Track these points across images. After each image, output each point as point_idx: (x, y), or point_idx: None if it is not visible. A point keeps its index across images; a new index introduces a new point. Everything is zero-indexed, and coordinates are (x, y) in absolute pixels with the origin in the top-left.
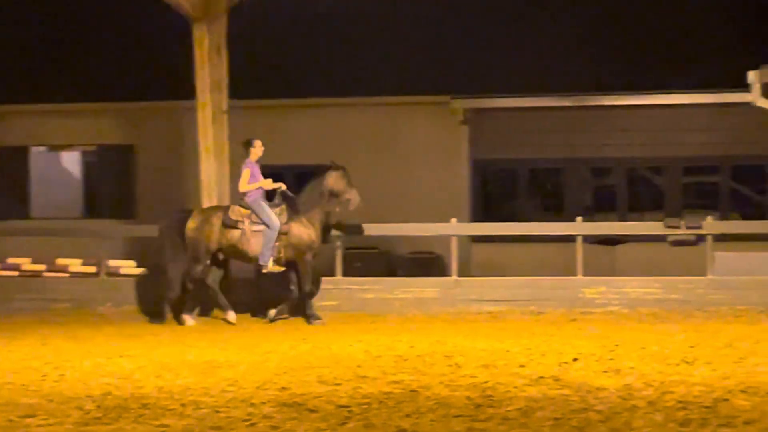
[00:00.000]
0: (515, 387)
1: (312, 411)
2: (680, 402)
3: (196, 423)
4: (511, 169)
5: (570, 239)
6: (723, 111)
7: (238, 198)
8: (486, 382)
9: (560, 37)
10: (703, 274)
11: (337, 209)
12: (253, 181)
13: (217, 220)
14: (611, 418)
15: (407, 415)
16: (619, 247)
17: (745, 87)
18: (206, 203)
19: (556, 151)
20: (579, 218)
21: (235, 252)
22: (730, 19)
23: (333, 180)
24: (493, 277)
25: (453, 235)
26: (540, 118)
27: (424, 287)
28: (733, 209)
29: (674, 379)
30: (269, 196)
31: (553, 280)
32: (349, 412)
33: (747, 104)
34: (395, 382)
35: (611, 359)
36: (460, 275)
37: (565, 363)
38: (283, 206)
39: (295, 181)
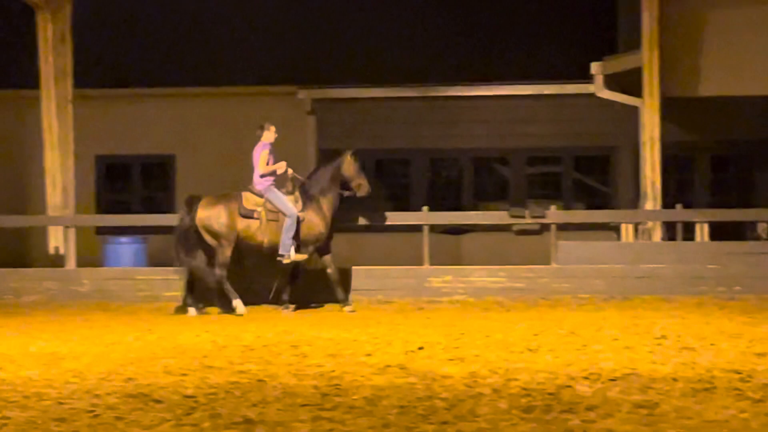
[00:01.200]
0: (362, 376)
1: (157, 401)
2: (524, 389)
3: (39, 415)
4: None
5: (416, 229)
6: (566, 102)
7: (251, 184)
8: (332, 371)
9: (406, 28)
10: (547, 263)
11: (346, 195)
12: (269, 164)
13: (233, 209)
14: (456, 405)
15: (254, 405)
16: (465, 237)
17: (588, 78)
18: (50, 194)
19: (402, 142)
20: (425, 208)
21: (251, 243)
22: (574, 11)
23: (347, 165)
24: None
25: None
26: (386, 108)
27: None
28: (576, 199)
29: (518, 367)
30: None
31: (399, 270)
32: (195, 402)
33: (590, 95)
34: (242, 372)
35: (457, 347)
36: None
37: (411, 351)
38: (297, 193)
39: (141, 170)
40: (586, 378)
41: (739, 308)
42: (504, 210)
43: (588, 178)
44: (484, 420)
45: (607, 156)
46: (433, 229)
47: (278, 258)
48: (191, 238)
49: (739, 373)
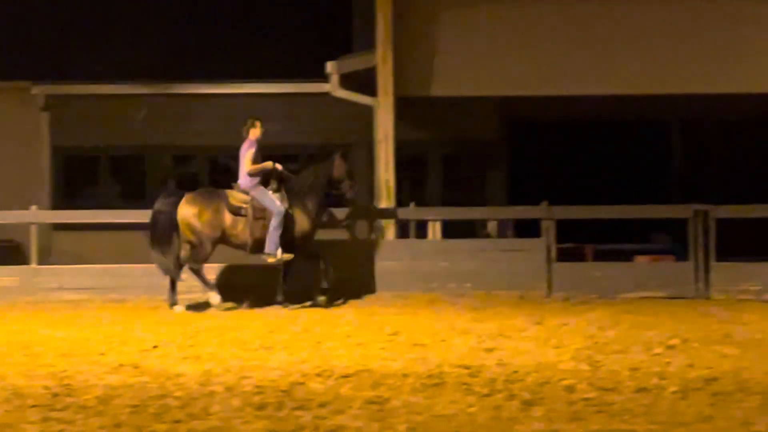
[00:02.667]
0: (94, 375)
1: None
2: (257, 387)
3: None
4: (92, 156)
5: None
6: (302, 100)
7: (237, 182)
8: (64, 371)
9: (143, 24)
10: None
11: (334, 195)
12: (256, 162)
13: (218, 206)
14: (189, 403)
15: None
16: None
17: (324, 77)
18: None
19: (138, 138)
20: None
21: (236, 241)
22: (310, 10)
23: (336, 166)
24: (74, 266)
25: (32, 223)
26: (121, 105)
27: (2, 276)
28: None
29: (252, 364)
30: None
31: (135, 268)
32: None
33: (326, 94)
34: None
35: (192, 346)
36: (40, 263)
37: (146, 350)
38: (283, 191)
39: None
40: (319, 375)
41: (470, 305)
42: None
43: None
44: (217, 418)
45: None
46: None
47: (264, 256)
48: (168, 233)
49: (468, 368)
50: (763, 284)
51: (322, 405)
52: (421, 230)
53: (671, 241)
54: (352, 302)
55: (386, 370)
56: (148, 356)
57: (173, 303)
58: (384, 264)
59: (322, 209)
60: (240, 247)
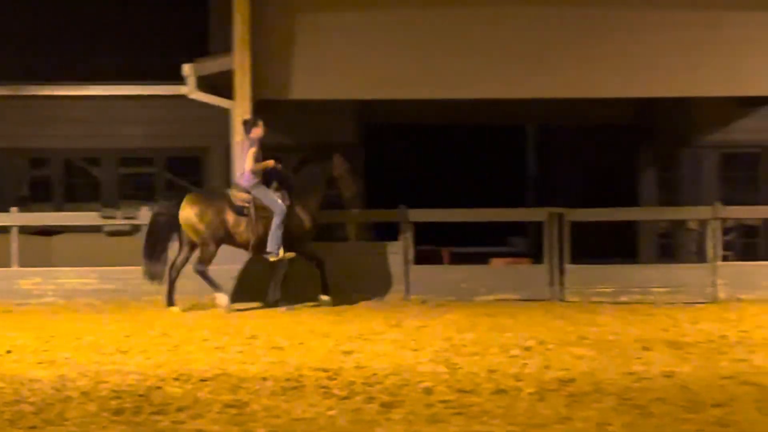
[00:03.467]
0: None
1: None
2: (114, 391)
3: None
4: None
5: (5, 230)
6: (160, 103)
7: (236, 181)
8: None
9: (5, 24)
10: (139, 264)
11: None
12: (257, 161)
13: (221, 206)
14: (44, 409)
15: None
16: (56, 238)
17: (181, 80)
18: None
19: None
20: (14, 209)
21: (239, 240)
22: (166, 11)
23: (336, 165)
24: None
25: None
26: None
27: None
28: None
29: (109, 369)
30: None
31: None
32: None
33: (183, 97)
34: None
35: (46, 350)
36: None
37: None
38: (284, 190)
39: None
40: (176, 379)
41: (328, 307)
42: (96, 211)
43: (181, 178)
44: (73, 423)
45: (200, 157)
46: (24, 230)
47: (266, 255)
48: (165, 237)
49: (327, 371)
50: (617, 286)
51: (180, 409)
52: None
53: (527, 243)
54: (210, 305)
55: (245, 373)
56: (1, 361)
57: (170, 303)
58: (244, 267)
59: (321, 208)
60: (242, 246)
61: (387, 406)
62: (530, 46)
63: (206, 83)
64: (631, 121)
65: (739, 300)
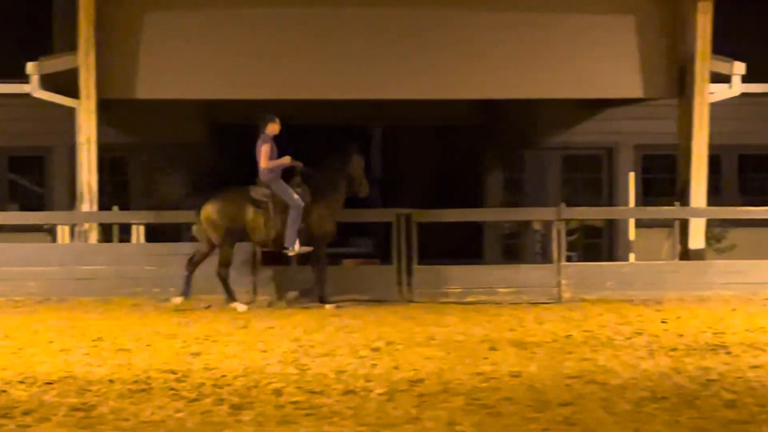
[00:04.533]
0: None
1: None
2: None
3: None
4: None
5: None
6: (2, 101)
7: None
8: None
9: None
10: None
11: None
12: (273, 158)
13: (242, 202)
14: None
15: None
16: None
17: (24, 78)
18: None
19: None
20: None
21: (259, 234)
22: (9, 8)
23: (354, 165)
24: None
25: None
26: None
27: None
28: (11, 200)
29: None
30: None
31: None
32: None
33: (26, 95)
34: None
35: None
36: None
37: None
38: (305, 187)
39: None
40: (21, 382)
41: (175, 309)
42: None
43: (23, 178)
44: None
45: (43, 157)
46: None
47: (284, 251)
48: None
49: (175, 373)
50: (464, 287)
51: (26, 413)
52: (126, 234)
53: (371, 244)
54: (51, 306)
55: (91, 376)
56: None
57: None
58: (85, 268)
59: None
60: (262, 241)
61: (236, 408)
62: (373, 47)
63: (50, 82)
64: (476, 123)
65: (583, 300)
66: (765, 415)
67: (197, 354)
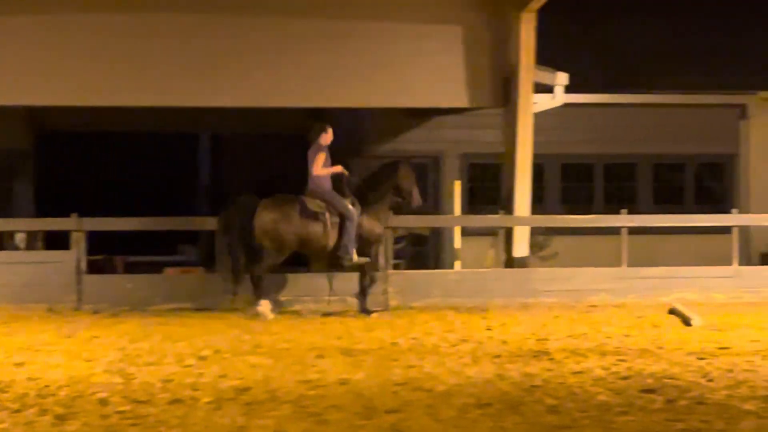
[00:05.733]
0: None
1: None
2: None
3: None
4: None
5: None
6: None
7: (310, 187)
8: None
9: None
10: None
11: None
12: (326, 167)
13: (294, 212)
14: None
15: None
16: None
17: None
18: None
19: None
20: None
21: (316, 246)
22: None
23: (403, 174)
24: None
25: None
26: None
27: None
28: None
29: None
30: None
31: None
32: None
33: None
34: None
35: None
36: None
37: None
38: (353, 197)
39: None
40: None
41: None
42: None
43: None
44: None
45: None
46: None
47: (341, 261)
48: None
49: None
50: (291, 294)
51: None
52: None
53: (198, 252)
54: None
55: None
56: None
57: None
58: None
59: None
60: (317, 252)
61: (61, 419)
62: (200, 55)
63: None
64: (302, 131)
65: (410, 308)
66: (587, 420)
67: (21, 364)
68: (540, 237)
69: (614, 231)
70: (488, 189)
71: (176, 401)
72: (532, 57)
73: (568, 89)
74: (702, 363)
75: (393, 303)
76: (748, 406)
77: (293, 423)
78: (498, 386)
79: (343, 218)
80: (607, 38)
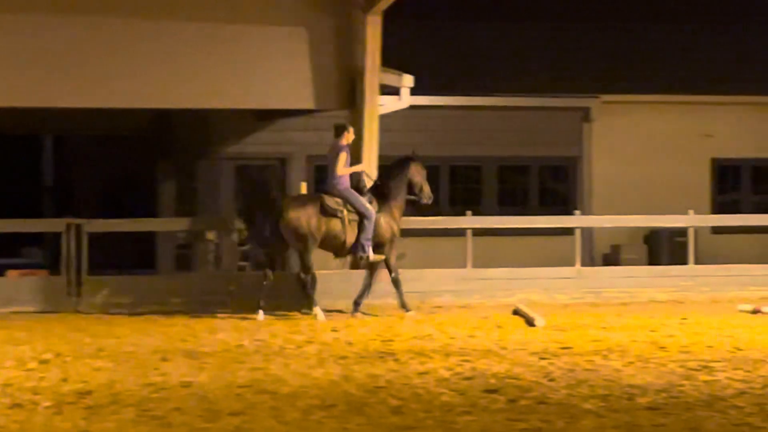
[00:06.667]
0: None
1: None
2: None
3: None
4: None
5: None
6: None
7: (330, 186)
8: None
9: None
10: None
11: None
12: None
13: (318, 210)
14: None
15: None
16: None
17: None
18: None
19: None
20: None
21: (335, 243)
22: None
23: (414, 171)
24: None
25: None
26: None
27: None
28: None
29: None
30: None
31: None
32: None
33: None
34: None
35: None
36: None
37: None
38: (371, 195)
39: None
40: None
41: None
42: None
43: None
44: None
45: None
46: None
47: (359, 258)
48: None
49: None
50: (135, 297)
51: None
52: None
53: (43, 254)
54: None
55: None
56: None
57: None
58: None
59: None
60: (336, 249)
61: None
62: (41, 55)
63: None
64: (148, 133)
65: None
66: (430, 420)
67: None
68: None
69: (459, 233)
70: None
71: (16, 406)
72: (378, 59)
73: (415, 91)
74: (544, 363)
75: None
76: (587, 405)
77: (136, 426)
78: (343, 387)
79: (361, 216)
80: (453, 41)
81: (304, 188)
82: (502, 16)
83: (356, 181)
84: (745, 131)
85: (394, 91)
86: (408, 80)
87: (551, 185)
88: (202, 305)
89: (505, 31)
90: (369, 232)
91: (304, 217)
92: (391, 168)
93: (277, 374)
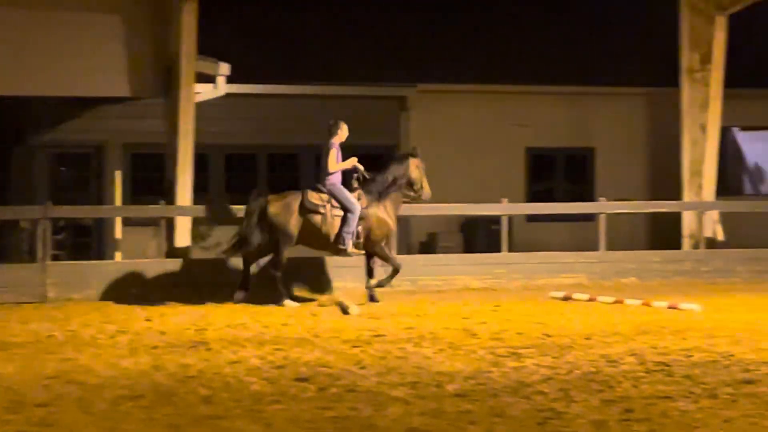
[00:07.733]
0: None
1: None
2: None
3: None
4: None
5: None
6: None
7: (321, 181)
8: None
9: None
10: None
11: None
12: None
13: (296, 205)
14: None
15: None
16: None
17: None
18: None
19: None
20: None
21: (316, 237)
22: None
23: (413, 167)
24: None
25: None
26: None
27: None
28: None
29: None
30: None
31: None
32: None
33: None
34: None
35: None
36: None
37: None
38: (361, 191)
39: None
40: None
41: None
42: None
43: None
44: None
45: None
46: None
47: (339, 250)
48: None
49: None
50: None
51: None
52: None
53: None
54: None
55: None
56: None
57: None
58: None
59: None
60: (319, 246)
61: None
62: None
63: None
64: None
65: (69, 299)
66: (239, 409)
67: None
68: (202, 227)
69: None
70: (151, 179)
71: None
72: (194, 46)
73: (232, 79)
74: (356, 351)
75: (51, 295)
76: (396, 393)
77: None
78: (153, 378)
79: (345, 211)
80: (270, 29)
81: (119, 177)
82: (320, 4)
83: (349, 176)
84: (558, 121)
85: (210, 79)
86: (224, 68)
87: (372, 174)
88: (14, 295)
89: (322, 19)
90: (351, 226)
91: (284, 212)
92: (388, 164)
93: (86, 365)
